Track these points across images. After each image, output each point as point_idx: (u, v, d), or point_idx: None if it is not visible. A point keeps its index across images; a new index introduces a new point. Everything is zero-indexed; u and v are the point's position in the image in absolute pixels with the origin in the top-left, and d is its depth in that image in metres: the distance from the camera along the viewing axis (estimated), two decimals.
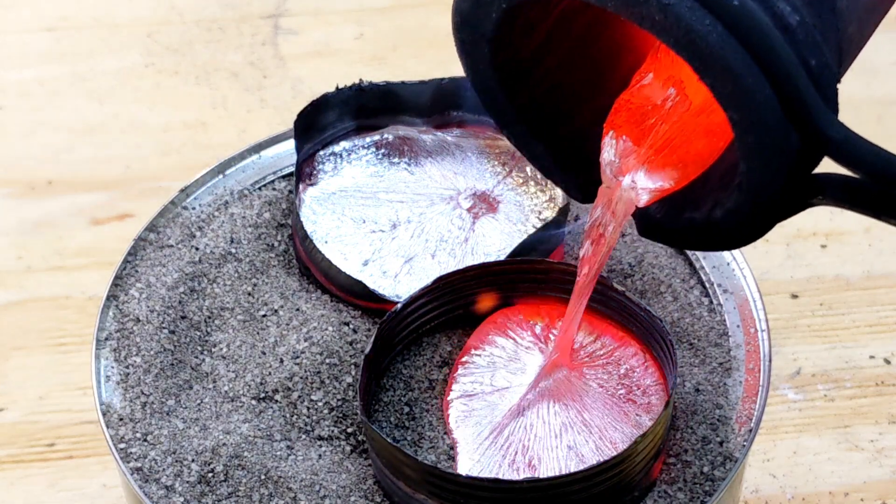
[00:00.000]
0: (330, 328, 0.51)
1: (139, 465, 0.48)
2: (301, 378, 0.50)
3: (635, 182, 0.45)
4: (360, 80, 0.57)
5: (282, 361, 0.50)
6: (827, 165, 0.40)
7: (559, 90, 0.48)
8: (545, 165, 0.49)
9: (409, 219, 0.55)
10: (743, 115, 0.39)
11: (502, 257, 0.53)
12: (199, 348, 0.52)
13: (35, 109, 0.88)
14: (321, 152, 0.57)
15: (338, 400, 0.49)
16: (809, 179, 0.40)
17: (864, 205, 0.39)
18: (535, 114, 0.48)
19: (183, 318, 0.52)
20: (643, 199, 0.45)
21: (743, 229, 0.42)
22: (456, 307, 0.51)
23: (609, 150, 0.46)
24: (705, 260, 0.54)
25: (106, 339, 0.52)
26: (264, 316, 0.52)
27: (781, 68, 0.38)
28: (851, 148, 0.39)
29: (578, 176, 0.48)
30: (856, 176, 0.39)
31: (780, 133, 0.39)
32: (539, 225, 0.54)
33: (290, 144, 0.58)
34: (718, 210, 0.43)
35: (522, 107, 0.47)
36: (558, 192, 0.55)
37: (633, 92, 0.46)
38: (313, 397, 0.49)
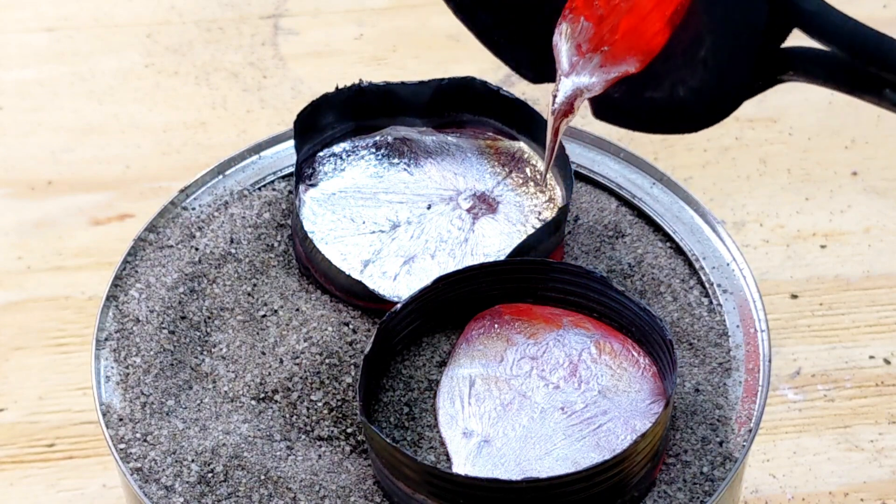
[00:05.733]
0: (330, 328, 0.51)
1: (139, 465, 0.48)
2: (301, 378, 0.50)
3: (594, 70, 0.43)
4: (360, 80, 0.57)
5: (281, 362, 0.50)
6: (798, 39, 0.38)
7: None
8: (494, 41, 0.46)
9: (408, 219, 0.55)
10: None
11: (502, 257, 0.53)
12: (199, 348, 0.52)
13: (35, 109, 0.88)
14: (321, 153, 0.57)
15: (337, 400, 0.49)
16: (779, 53, 0.38)
17: (837, 80, 0.37)
18: None
19: (183, 318, 0.52)
20: (601, 87, 0.43)
21: (708, 108, 0.40)
22: (456, 307, 0.51)
23: (565, 30, 0.44)
24: (705, 260, 0.54)
25: (106, 339, 0.52)
26: (264, 316, 0.52)
27: None
28: (823, 19, 0.36)
29: (531, 53, 0.46)
30: (828, 49, 0.37)
31: (747, 4, 0.37)
32: (539, 225, 0.54)
33: (290, 145, 0.58)
34: (681, 88, 0.40)
35: None
36: (558, 193, 0.55)
37: None
38: (313, 397, 0.49)
